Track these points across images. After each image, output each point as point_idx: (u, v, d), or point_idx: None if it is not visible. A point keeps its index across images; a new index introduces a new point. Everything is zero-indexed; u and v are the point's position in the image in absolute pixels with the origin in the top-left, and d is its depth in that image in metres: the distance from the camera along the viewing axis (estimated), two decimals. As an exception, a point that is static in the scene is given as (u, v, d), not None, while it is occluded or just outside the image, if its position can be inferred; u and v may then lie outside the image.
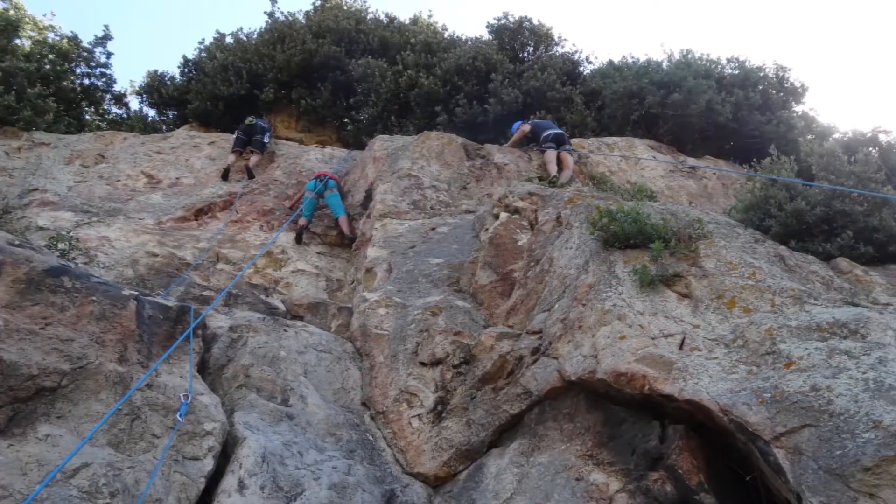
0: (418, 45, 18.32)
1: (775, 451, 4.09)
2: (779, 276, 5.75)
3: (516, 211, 8.78)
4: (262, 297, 9.28)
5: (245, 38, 20.23)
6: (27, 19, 17.62)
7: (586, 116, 16.02)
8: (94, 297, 6.33)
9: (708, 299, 5.57)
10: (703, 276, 5.79)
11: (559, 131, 12.76)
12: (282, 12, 20.98)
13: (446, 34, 20.61)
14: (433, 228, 10.17)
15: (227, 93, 17.64)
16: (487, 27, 19.92)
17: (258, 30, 20.51)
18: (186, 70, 19.95)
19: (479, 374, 6.53)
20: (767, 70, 16.50)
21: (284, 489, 5.55)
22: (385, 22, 20.77)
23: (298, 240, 11.19)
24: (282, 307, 9.11)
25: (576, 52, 19.12)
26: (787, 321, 5.02)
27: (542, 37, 19.24)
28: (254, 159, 13.59)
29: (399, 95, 17.44)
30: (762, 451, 4.20)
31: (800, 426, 4.08)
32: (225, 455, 5.84)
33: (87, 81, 18.94)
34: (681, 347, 5.19)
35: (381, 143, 13.04)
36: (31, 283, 6.10)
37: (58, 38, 18.33)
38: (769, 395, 4.33)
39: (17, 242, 6.78)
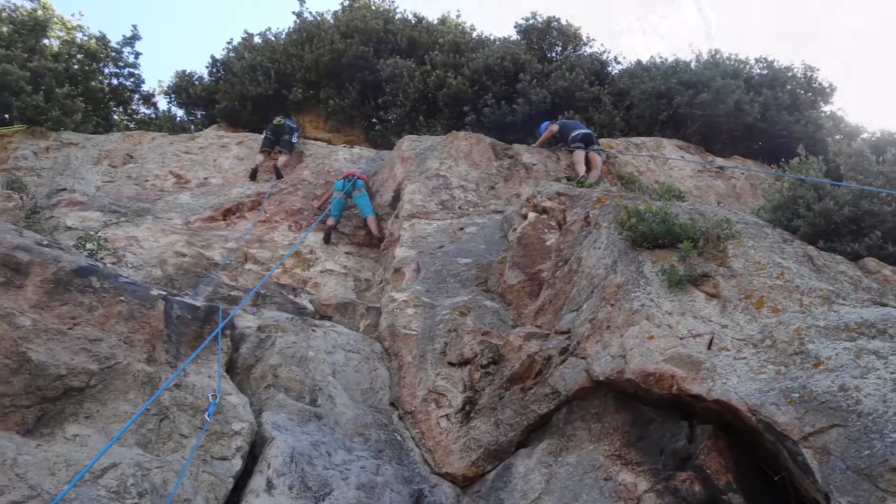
0: (446, 45, 18.33)
1: (803, 451, 4.12)
2: (807, 276, 5.77)
3: (544, 211, 8.83)
4: (291, 297, 9.39)
5: (273, 38, 20.36)
6: (55, 19, 17.86)
7: (614, 116, 16.01)
8: (122, 297, 6.44)
9: (736, 299, 5.60)
10: (731, 276, 5.83)
11: (587, 131, 12.79)
12: (310, 12, 21.11)
13: (474, 34, 20.63)
14: (461, 228, 10.22)
15: (255, 93, 17.79)
16: (515, 27, 19.91)
17: (286, 30, 20.63)
18: (214, 70, 20.14)
19: (508, 374, 6.59)
20: (795, 70, 16.45)
21: (313, 489, 5.64)
22: (413, 22, 20.80)
23: (327, 240, 11.28)
24: (310, 307, 9.20)
25: (604, 52, 19.11)
26: (816, 321, 5.05)
27: (570, 37, 19.22)
28: (282, 159, 13.70)
29: (427, 95, 17.49)
30: (790, 451, 4.24)
31: (828, 426, 4.11)
32: (253, 455, 5.95)
33: (115, 81, 19.18)
34: (709, 347, 5.23)
35: (409, 143, 13.11)
36: (59, 283, 6.21)
37: (86, 38, 18.56)
38: (797, 394, 4.37)
39: (45, 242, 6.89)
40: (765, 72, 16.28)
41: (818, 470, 4.00)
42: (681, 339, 5.38)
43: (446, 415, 6.71)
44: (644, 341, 5.48)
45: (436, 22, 21.27)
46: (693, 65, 16.02)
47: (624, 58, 22.06)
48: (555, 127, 13.13)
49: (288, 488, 5.54)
